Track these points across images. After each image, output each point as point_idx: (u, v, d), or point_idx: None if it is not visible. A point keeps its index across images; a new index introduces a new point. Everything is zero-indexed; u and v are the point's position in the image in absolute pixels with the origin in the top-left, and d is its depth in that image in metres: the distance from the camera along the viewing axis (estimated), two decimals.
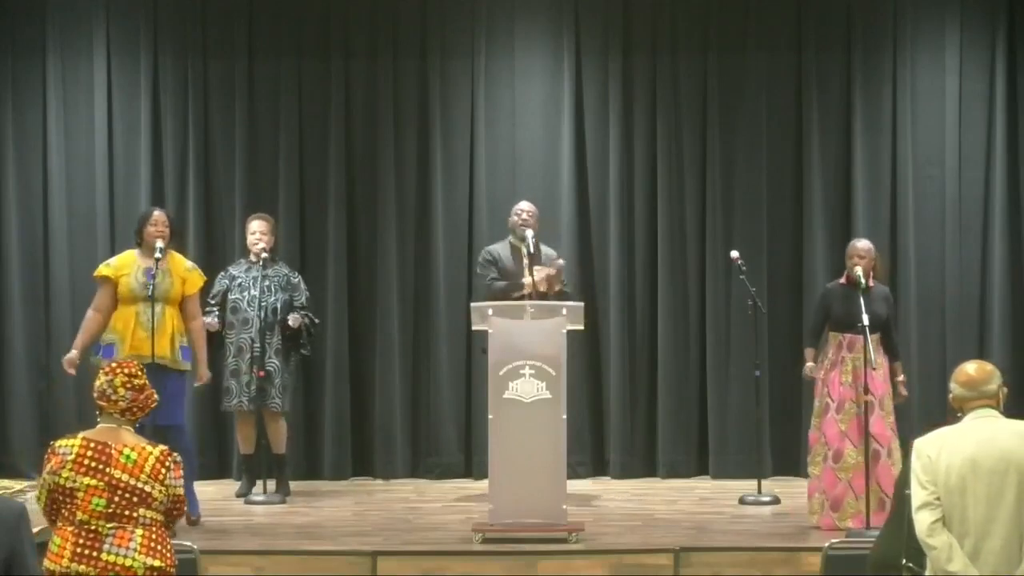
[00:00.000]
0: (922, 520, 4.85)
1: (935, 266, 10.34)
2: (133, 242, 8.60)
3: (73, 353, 8.31)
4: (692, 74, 10.41)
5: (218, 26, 10.39)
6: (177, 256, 8.55)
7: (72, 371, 8.37)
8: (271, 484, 9.27)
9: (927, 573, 4.89)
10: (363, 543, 7.74)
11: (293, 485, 9.52)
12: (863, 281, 8.14)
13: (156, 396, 5.38)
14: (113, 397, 5.24)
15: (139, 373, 5.31)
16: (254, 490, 9.34)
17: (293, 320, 9.09)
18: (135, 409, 5.26)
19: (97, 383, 5.29)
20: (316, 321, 9.42)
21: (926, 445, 4.94)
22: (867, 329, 7.89)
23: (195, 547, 6.35)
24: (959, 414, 5.03)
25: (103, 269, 8.50)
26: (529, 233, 8.88)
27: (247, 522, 8.61)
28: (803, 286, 10.32)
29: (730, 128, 10.38)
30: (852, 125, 10.37)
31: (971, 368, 5.05)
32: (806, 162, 10.36)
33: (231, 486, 9.63)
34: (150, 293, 8.16)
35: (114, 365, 5.33)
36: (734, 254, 9.43)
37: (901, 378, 8.40)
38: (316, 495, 9.55)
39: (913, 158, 10.35)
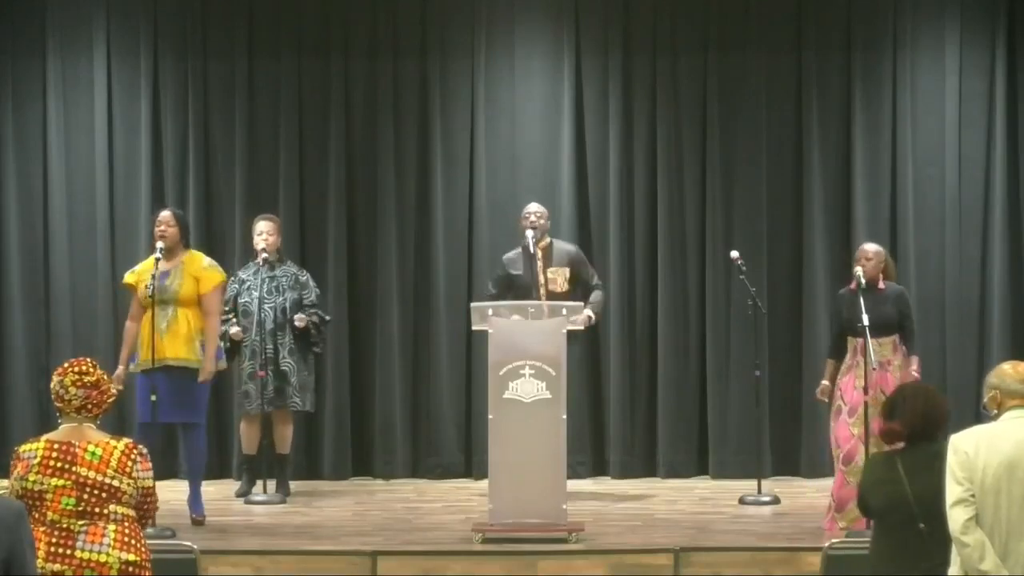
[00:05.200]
0: (956, 517, 4.82)
1: (935, 266, 10.33)
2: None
3: (119, 370, 8.24)
4: (692, 74, 10.41)
5: (218, 26, 10.39)
6: (196, 254, 8.50)
7: (119, 387, 7.98)
8: (271, 484, 9.27)
9: (955, 572, 4.87)
10: (363, 543, 7.74)
11: (293, 485, 9.52)
12: (862, 282, 8.15)
13: (114, 391, 5.33)
14: (66, 397, 5.23)
15: (91, 370, 5.26)
16: (254, 490, 9.34)
17: (299, 320, 9.10)
18: (90, 406, 5.23)
19: (51, 385, 5.27)
20: (327, 318, 9.44)
21: (963, 441, 4.89)
22: (867, 330, 7.89)
23: (195, 547, 6.36)
24: (994, 412, 5.01)
25: (127, 277, 8.51)
26: (529, 234, 8.95)
27: (247, 522, 8.61)
28: (803, 286, 10.31)
29: (730, 128, 10.38)
30: (852, 125, 10.36)
31: (1022, 367, 5.03)
32: (806, 162, 10.36)
33: (231, 486, 9.62)
34: (150, 295, 8.15)
35: (65, 365, 5.29)
36: (734, 254, 9.42)
37: (914, 367, 8.37)
38: (316, 495, 9.55)
39: (913, 158, 10.35)
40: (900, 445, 5.39)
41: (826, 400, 8.36)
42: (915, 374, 8.27)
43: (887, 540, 5.32)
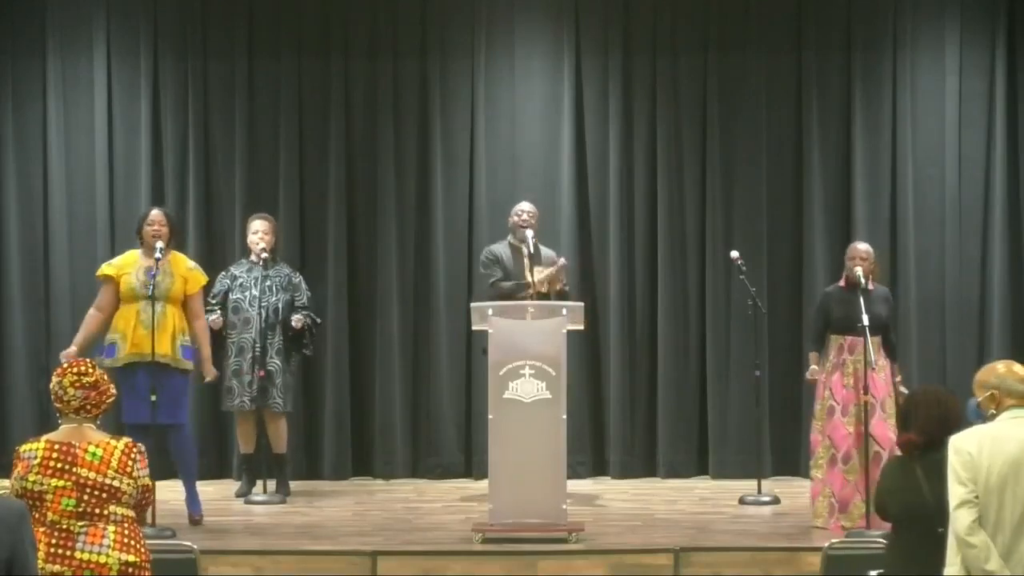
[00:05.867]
0: (961, 518, 4.81)
1: (935, 266, 10.34)
2: (134, 242, 8.62)
3: (72, 349, 8.26)
4: (692, 74, 10.41)
5: (218, 26, 10.40)
6: (179, 256, 8.57)
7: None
8: (271, 484, 9.28)
9: (955, 572, 4.87)
10: (363, 543, 7.74)
11: (293, 485, 9.52)
12: (863, 282, 8.14)
13: (113, 391, 5.34)
14: (65, 398, 5.24)
15: (90, 371, 5.28)
16: (254, 490, 9.34)
17: (296, 321, 9.10)
18: (89, 407, 5.25)
19: (51, 385, 5.28)
20: (318, 321, 9.43)
21: (965, 442, 4.88)
22: (867, 330, 7.89)
23: (195, 547, 6.36)
24: (991, 412, 5.00)
25: (105, 268, 8.52)
26: (529, 233, 8.90)
27: (247, 522, 8.61)
28: (803, 286, 10.32)
29: (730, 128, 10.38)
30: (852, 125, 10.37)
31: (1017, 367, 5.02)
32: (806, 162, 10.36)
33: (231, 486, 9.62)
34: (151, 292, 8.18)
35: (65, 365, 5.31)
36: (734, 254, 9.43)
37: (898, 378, 8.39)
38: (316, 495, 9.55)
39: (913, 158, 10.36)
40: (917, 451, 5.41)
41: (816, 379, 8.37)
42: (902, 389, 8.26)
43: (906, 543, 5.33)
